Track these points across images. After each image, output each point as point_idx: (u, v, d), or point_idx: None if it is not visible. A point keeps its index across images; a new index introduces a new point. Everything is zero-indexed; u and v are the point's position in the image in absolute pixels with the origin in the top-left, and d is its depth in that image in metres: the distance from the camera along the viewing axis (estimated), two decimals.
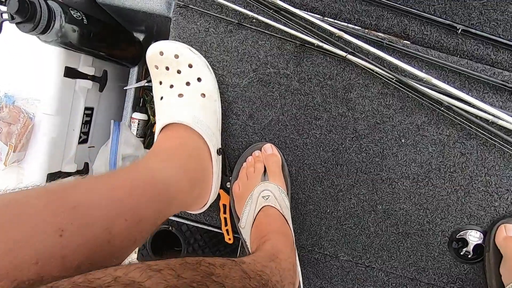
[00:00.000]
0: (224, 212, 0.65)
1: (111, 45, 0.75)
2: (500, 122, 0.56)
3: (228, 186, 0.64)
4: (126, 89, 0.86)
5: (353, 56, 0.58)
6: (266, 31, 0.60)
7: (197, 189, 0.56)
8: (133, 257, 0.74)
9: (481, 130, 0.57)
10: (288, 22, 0.59)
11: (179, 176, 0.51)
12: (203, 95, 0.59)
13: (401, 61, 0.56)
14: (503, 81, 0.56)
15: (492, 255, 0.58)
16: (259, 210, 0.57)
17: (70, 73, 0.71)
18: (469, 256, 0.61)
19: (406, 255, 0.64)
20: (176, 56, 0.57)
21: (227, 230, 0.65)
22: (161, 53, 0.56)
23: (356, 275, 0.66)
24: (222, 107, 0.63)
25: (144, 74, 0.87)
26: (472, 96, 0.55)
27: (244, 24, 0.61)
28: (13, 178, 0.71)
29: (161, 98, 0.59)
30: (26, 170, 0.70)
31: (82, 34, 0.65)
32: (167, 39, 0.64)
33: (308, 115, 0.62)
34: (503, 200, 0.60)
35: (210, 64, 0.62)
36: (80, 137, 0.79)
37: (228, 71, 0.63)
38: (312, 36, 0.58)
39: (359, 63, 0.58)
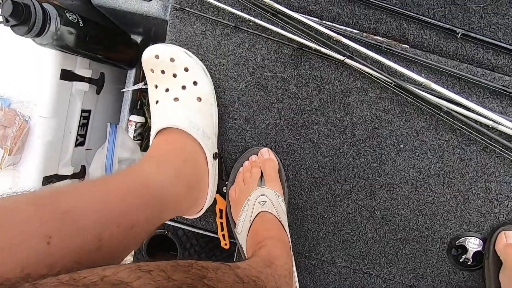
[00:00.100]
0: (221, 217, 0.64)
1: (108, 47, 0.75)
2: (500, 127, 0.55)
3: (225, 191, 0.64)
4: (123, 92, 0.85)
5: (351, 60, 0.57)
6: (263, 35, 0.60)
7: (192, 194, 0.56)
8: (129, 260, 0.73)
9: (481, 136, 0.56)
10: (286, 26, 0.58)
11: (173, 181, 0.50)
12: (199, 99, 0.58)
13: (399, 65, 0.55)
14: (503, 86, 0.55)
15: (492, 263, 0.57)
16: (256, 216, 0.56)
17: (66, 75, 0.70)
18: (469, 263, 0.60)
19: (405, 261, 0.63)
20: (172, 60, 0.56)
21: (223, 235, 0.65)
22: (157, 57, 0.56)
23: (353, 282, 0.65)
24: (218, 111, 0.62)
25: (142, 76, 0.87)
26: (472, 101, 0.54)
27: (241, 27, 0.60)
28: (9, 181, 0.70)
29: (157, 102, 0.58)
30: (21, 173, 0.70)
31: (78, 37, 0.64)
32: (165, 41, 0.63)
33: (306, 120, 0.61)
34: (503, 207, 0.59)
35: (206, 67, 0.61)
36: (77, 139, 0.79)
37: (224, 74, 0.62)
38: (310, 39, 0.58)
39: (357, 67, 0.57)
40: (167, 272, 0.27)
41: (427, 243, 0.61)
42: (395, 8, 0.57)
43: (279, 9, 0.58)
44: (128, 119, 0.84)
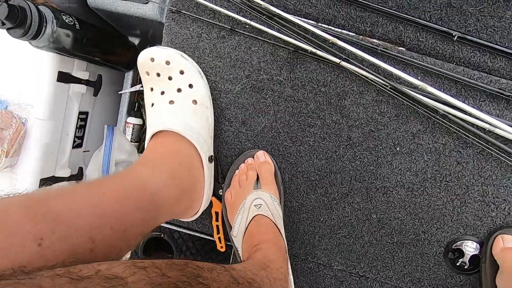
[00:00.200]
0: (217, 220, 0.64)
1: (105, 50, 0.75)
2: (497, 131, 0.54)
3: (221, 194, 0.64)
4: (121, 94, 0.86)
5: (347, 62, 0.57)
6: (259, 37, 0.60)
7: (187, 197, 0.56)
8: None
9: (478, 139, 0.55)
10: (282, 28, 0.58)
11: (168, 184, 0.50)
12: (195, 101, 0.58)
13: (396, 68, 0.55)
14: (500, 89, 0.55)
15: (489, 266, 0.57)
16: (251, 219, 0.56)
17: (63, 77, 0.70)
18: (465, 267, 0.60)
19: (401, 265, 0.62)
20: (167, 63, 0.56)
21: (219, 238, 0.65)
22: (152, 60, 0.56)
23: (350, 285, 0.65)
24: (214, 113, 0.62)
25: (139, 78, 0.87)
26: (468, 104, 0.54)
27: (237, 30, 0.60)
28: (6, 183, 0.70)
29: (152, 104, 0.58)
30: (18, 175, 0.70)
31: (75, 39, 0.64)
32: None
33: (302, 122, 0.61)
34: (500, 210, 0.58)
35: (202, 70, 0.61)
36: (74, 141, 0.79)
37: (220, 77, 0.62)
38: (306, 42, 0.57)
39: (353, 70, 0.57)
40: (162, 269, 0.27)
41: (424, 247, 0.61)
42: (391, 10, 0.57)
43: (275, 11, 0.58)
44: (126, 121, 0.84)
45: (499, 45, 0.56)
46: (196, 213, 0.60)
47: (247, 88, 0.62)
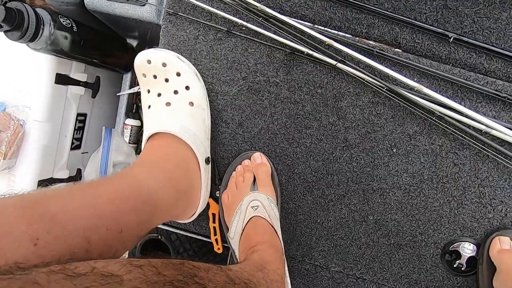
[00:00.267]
0: (214, 221, 0.64)
1: (103, 52, 0.75)
2: (493, 132, 0.55)
3: (218, 195, 0.64)
4: (119, 95, 0.86)
5: (344, 64, 0.57)
6: (255, 39, 0.60)
7: (184, 199, 0.56)
8: None
9: (474, 140, 0.55)
10: (278, 30, 0.58)
11: (165, 185, 0.50)
12: (191, 103, 0.58)
13: (392, 69, 0.55)
14: (496, 90, 0.55)
15: (486, 268, 0.57)
16: (248, 221, 0.56)
17: (61, 79, 0.71)
18: (462, 268, 0.60)
19: (398, 266, 0.62)
20: (164, 65, 0.56)
21: (216, 240, 0.65)
22: (149, 62, 0.56)
23: (346, 287, 0.65)
24: (211, 115, 0.62)
25: (137, 80, 0.87)
26: (464, 106, 0.54)
27: (234, 32, 0.60)
28: (4, 185, 0.71)
29: (149, 106, 0.58)
30: (17, 177, 0.70)
31: (73, 42, 0.64)
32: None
33: (298, 124, 0.61)
34: (497, 212, 0.58)
35: (199, 72, 0.61)
36: (72, 143, 0.79)
37: (217, 79, 0.62)
38: (302, 44, 0.58)
39: (350, 72, 0.57)
40: (158, 268, 0.27)
41: (421, 248, 0.61)
42: (387, 12, 0.57)
43: (272, 13, 0.58)
44: (124, 123, 0.84)
45: (495, 47, 0.56)
46: (193, 215, 0.60)
47: (244, 90, 0.62)
